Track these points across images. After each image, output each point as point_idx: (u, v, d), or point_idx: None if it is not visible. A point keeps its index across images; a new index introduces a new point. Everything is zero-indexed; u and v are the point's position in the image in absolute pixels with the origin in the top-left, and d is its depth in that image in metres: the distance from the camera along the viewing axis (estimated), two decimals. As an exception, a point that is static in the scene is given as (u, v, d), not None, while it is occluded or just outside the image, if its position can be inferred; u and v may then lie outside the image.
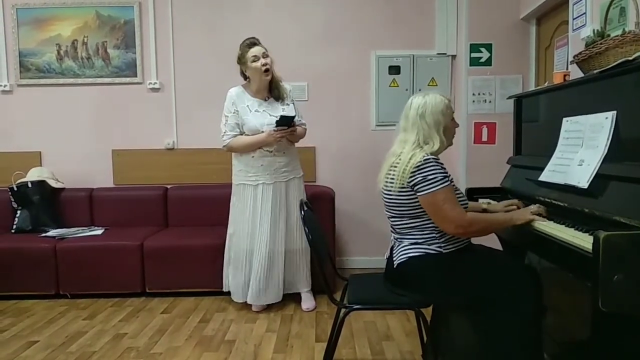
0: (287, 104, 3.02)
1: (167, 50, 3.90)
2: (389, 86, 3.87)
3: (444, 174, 1.81)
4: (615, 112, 1.62)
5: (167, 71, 3.92)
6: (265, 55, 2.90)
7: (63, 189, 3.81)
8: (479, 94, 3.60)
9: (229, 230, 3.10)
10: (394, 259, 1.94)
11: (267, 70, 2.90)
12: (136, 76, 3.92)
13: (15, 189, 3.63)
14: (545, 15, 3.33)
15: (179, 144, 3.98)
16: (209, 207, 3.68)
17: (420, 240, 1.88)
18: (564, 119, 1.91)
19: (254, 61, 2.88)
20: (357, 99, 3.92)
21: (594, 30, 1.90)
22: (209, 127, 3.69)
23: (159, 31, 3.89)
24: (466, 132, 3.61)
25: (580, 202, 1.65)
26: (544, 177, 1.91)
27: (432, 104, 1.89)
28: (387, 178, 1.92)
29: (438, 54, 3.85)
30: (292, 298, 3.15)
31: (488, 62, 3.57)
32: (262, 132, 2.90)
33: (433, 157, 1.84)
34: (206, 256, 3.26)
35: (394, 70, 3.87)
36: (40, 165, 3.92)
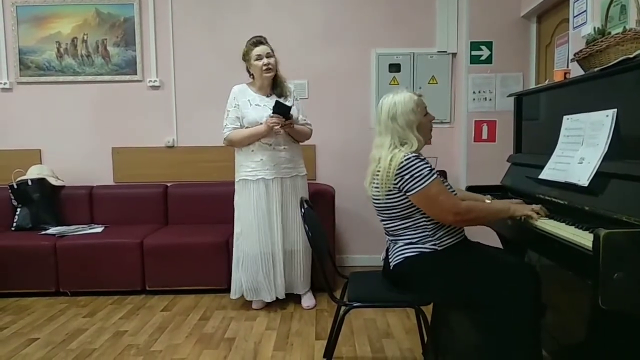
0: (289, 100, 3.01)
1: (167, 48, 3.90)
2: (390, 84, 3.85)
3: (429, 168, 1.81)
4: (615, 110, 1.61)
5: (167, 69, 3.91)
6: (269, 55, 2.90)
7: (63, 186, 3.81)
8: (479, 91, 3.59)
9: (236, 230, 3.03)
10: (390, 260, 1.95)
11: (268, 70, 2.90)
12: (136, 74, 3.91)
13: (15, 186, 3.64)
14: (546, 13, 3.32)
15: (179, 141, 3.97)
16: (209, 205, 3.69)
17: (414, 240, 1.88)
18: (565, 117, 1.91)
19: (256, 60, 2.89)
20: (357, 97, 3.92)
21: (594, 28, 1.90)
22: (209, 125, 3.70)
23: (159, 29, 3.89)
24: (466, 130, 3.61)
25: (580, 200, 1.65)
26: (545, 175, 1.91)
27: (401, 104, 1.88)
28: (373, 184, 1.93)
29: (438, 51, 3.84)
30: (292, 296, 3.14)
31: (488, 60, 3.57)
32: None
33: (413, 154, 1.83)
34: (206, 254, 3.26)
35: (395, 68, 3.86)
36: (40, 163, 3.92)
